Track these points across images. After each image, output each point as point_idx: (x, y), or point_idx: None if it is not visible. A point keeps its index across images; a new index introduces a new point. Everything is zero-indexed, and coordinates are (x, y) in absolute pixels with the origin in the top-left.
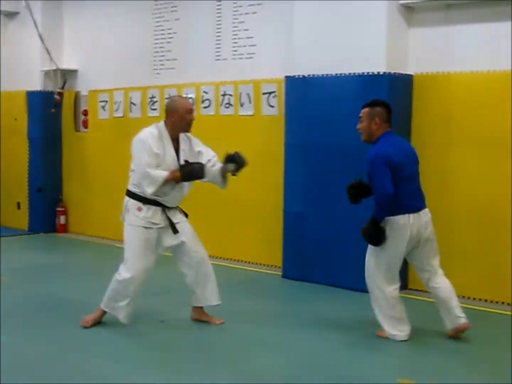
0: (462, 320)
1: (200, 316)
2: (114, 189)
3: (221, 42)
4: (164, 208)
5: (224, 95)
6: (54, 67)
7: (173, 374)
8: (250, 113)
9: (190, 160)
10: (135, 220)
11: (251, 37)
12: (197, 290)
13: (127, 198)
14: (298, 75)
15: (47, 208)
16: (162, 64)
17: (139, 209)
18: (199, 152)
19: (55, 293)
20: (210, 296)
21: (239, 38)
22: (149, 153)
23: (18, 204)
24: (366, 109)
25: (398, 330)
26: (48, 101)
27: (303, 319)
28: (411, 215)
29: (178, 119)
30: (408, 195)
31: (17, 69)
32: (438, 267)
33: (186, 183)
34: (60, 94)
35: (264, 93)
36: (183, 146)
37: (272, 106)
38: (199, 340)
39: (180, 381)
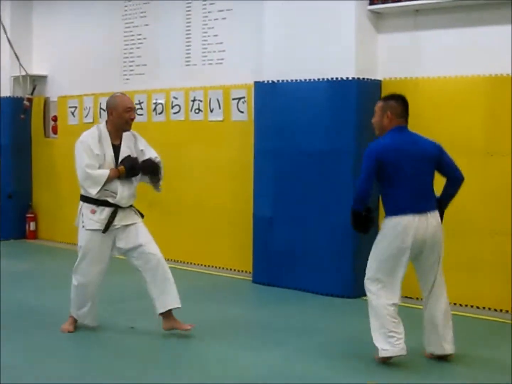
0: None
1: (172, 324)
2: None
3: (191, 47)
4: (117, 208)
5: (194, 100)
6: (23, 73)
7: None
8: (220, 118)
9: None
10: (90, 223)
11: (220, 43)
12: (156, 295)
13: (81, 202)
14: (267, 81)
15: (17, 214)
16: (132, 70)
17: (93, 212)
18: (142, 150)
19: (26, 300)
20: (170, 299)
21: (208, 44)
22: (89, 154)
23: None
24: (379, 103)
25: (388, 343)
26: (17, 107)
27: (271, 325)
28: (408, 217)
29: (117, 117)
30: (407, 196)
31: None
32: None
33: (134, 181)
34: (30, 100)
35: (233, 99)
36: (126, 143)
37: (241, 112)
38: (165, 347)
39: None
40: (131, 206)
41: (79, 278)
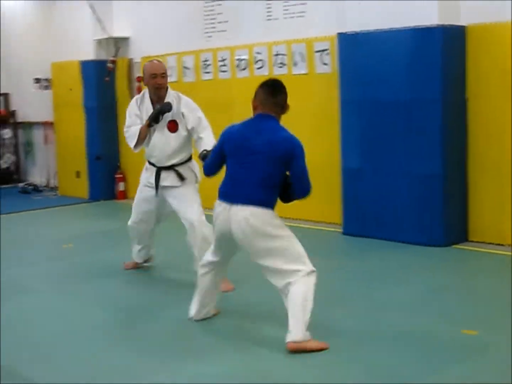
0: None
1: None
2: None
3: (272, 1)
4: (160, 170)
5: (277, 55)
6: (106, 36)
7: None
8: (304, 71)
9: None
10: (141, 180)
11: None
12: (195, 255)
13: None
14: (350, 32)
15: (106, 176)
16: (213, 27)
17: (145, 169)
18: (182, 113)
19: (119, 258)
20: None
21: None
22: (130, 115)
23: (78, 173)
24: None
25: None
26: (101, 70)
27: (363, 275)
28: (222, 204)
29: (146, 83)
30: (228, 183)
31: (69, 39)
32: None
33: (174, 143)
34: (113, 62)
35: (317, 51)
36: None
37: (325, 64)
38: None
39: None
40: (176, 169)
41: (129, 221)
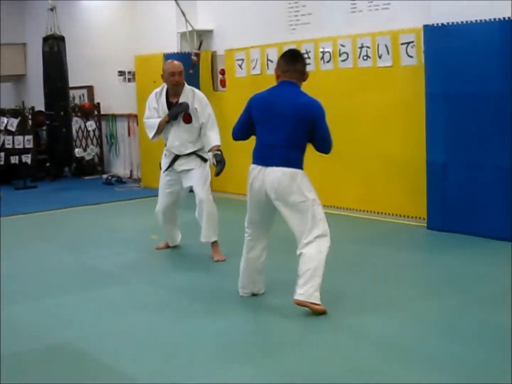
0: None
1: (212, 252)
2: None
3: None
4: (177, 156)
5: (361, 47)
6: (189, 29)
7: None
8: (389, 64)
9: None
10: (162, 166)
11: None
12: (202, 226)
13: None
14: (437, 23)
15: None
16: (297, 20)
17: (164, 156)
18: (195, 109)
19: (204, 249)
20: (206, 232)
21: None
22: (149, 107)
23: (161, 164)
24: None
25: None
26: (185, 62)
27: (449, 270)
28: (258, 167)
29: (165, 80)
30: (258, 147)
31: (153, 32)
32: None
33: (190, 132)
34: (197, 55)
35: (402, 43)
36: (182, 100)
37: (411, 56)
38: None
39: None
40: (194, 153)
41: (156, 207)
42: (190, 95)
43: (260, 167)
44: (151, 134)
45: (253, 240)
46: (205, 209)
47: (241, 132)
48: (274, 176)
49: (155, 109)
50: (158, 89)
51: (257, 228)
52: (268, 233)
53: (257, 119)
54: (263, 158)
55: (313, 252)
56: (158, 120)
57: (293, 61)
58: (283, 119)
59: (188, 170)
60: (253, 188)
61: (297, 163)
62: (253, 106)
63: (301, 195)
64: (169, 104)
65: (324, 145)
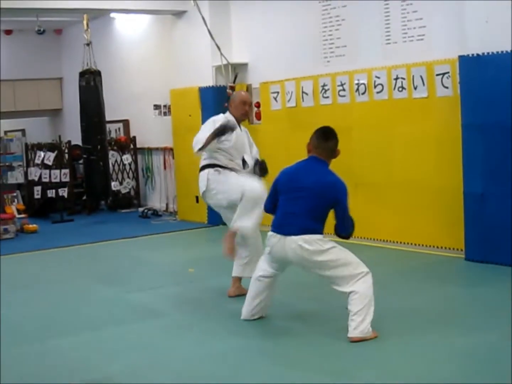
0: None
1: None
2: None
3: (390, 25)
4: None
5: (396, 78)
6: (224, 62)
7: None
8: (424, 95)
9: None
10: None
11: (420, 18)
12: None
13: (206, 170)
14: (472, 54)
15: None
16: (332, 52)
17: (218, 173)
18: (249, 143)
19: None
20: (240, 221)
21: (408, 20)
22: (204, 131)
23: (197, 198)
24: None
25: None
26: (220, 95)
27: (489, 303)
28: (277, 236)
29: (234, 108)
30: (278, 216)
31: (188, 66)
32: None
33: (233, 151)
34: (232, 88)
35: (437, 74)
36: (244, 131)
37: (446, 87)
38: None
39: None
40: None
41: None
42: (243, 129)
43: (279, 236)
44: (197, 147)
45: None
46: (245, 200)
47: (270, 204)
48: (296, 245)
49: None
50: (220, 116)
51: (273, 268)
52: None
53: (281, 191)
54: (282, 225)
55: (362, 290)
56: (206, 135)
57: (324, 139)
58: (306, 192)
59: (240, 171)
60: (273, 253)
61: (316, 231)
62: (280, 179)
63: (326, 254)
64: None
65: (344, 225)
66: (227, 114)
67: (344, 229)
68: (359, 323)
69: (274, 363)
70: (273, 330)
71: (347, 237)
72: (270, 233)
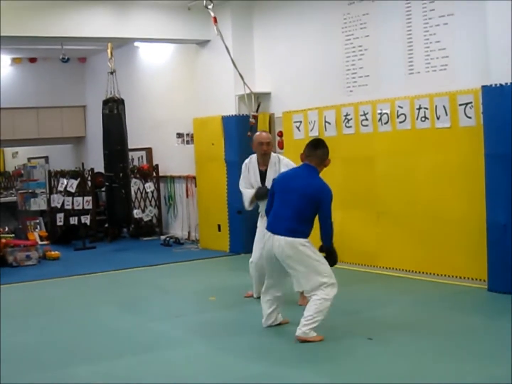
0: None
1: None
2: None
3: (413, 55)
4: None
5: (419, 108)
6: (247, 91)
7: None
8: (447, 125)
9: None
10: (259, 225)
11: (443, 49)
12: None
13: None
14: (496, 84)
15: (247, 229)
16: (354, 81)
17: (261, 217)
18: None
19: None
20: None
21: (431, 51)
22: (243, 175)
23: (219, 226)
24: None
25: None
26: (243, 124)
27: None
28: (268, 233)
29: (255, 149)
30: (272, 215)
31: (211, 95)
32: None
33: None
34: (255, 117)
35: (460, 104)
36: (272, 168)
37: (469, 117)
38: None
39: None
40: None
41: (251, 259)
42: (276, 162)
43: (269, 233)
44: (245, 204)
45: (269, 284)
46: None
47: (271, 207)
48: (280, 243)
49: (246, 177)
50: (247, 160)
51: (272, 277)
52: (282, 287)
53: (276, 191)
54: (272, 226)
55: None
56: (249, 194)
57: (314, 147)
58: (295, 194)
59: None
60: (266, 248)
61: (301, 234)
62: (276, 181)
63: (303, 257)
64: (260, 172)
65: (325, 225)
66: (254, 155)
67: (325, 230)
68: (305, 325)
69: None
70: (296, 357)
71: (329, 241)
72: (265, 230)
